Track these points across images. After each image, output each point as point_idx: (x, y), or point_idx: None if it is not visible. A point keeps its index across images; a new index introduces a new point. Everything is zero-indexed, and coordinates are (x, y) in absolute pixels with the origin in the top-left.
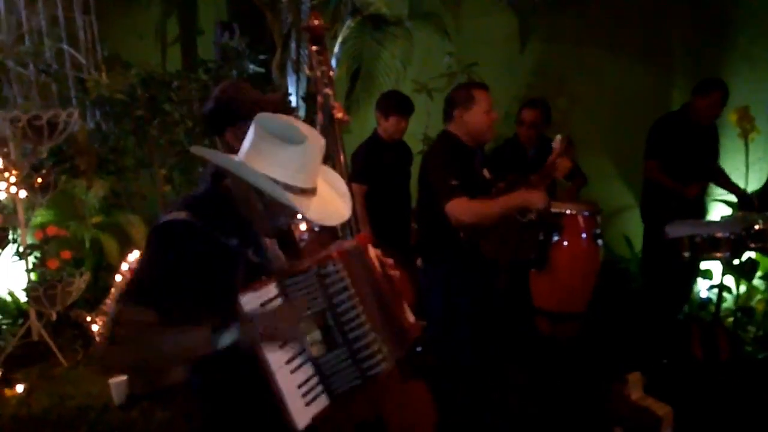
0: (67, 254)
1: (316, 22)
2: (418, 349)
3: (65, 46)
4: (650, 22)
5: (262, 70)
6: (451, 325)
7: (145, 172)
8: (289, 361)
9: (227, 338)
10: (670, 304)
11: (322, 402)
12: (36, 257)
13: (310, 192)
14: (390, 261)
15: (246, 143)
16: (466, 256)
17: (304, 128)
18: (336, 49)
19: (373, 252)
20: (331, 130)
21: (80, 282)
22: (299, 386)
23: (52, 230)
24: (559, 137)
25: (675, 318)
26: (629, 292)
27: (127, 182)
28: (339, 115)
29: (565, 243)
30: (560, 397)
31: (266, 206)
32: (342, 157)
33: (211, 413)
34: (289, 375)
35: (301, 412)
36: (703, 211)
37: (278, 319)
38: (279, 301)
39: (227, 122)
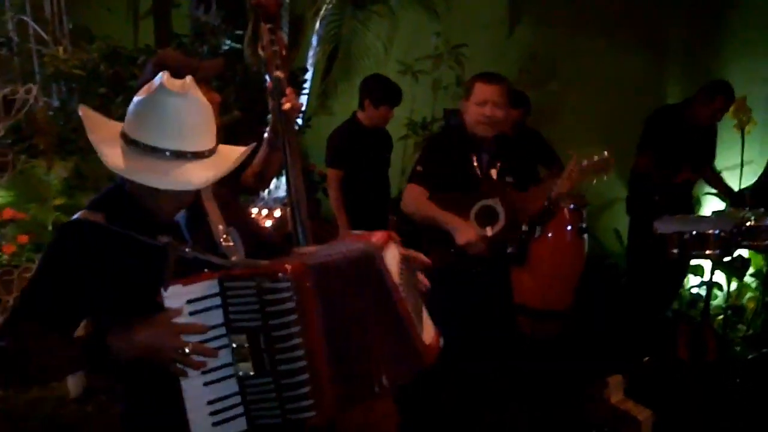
0: (24, 238)
1: None
2: None
3: (27, 18)
4: (645, 8)
5: (239, 45)
6: None
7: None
8: (205, 372)
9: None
10: (657, 302)
11: (238, 425)
12: None
13: (183, 155)
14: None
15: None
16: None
17: (173, 84)
18: (317, 26)
19: (392, 254)
20: (284, 116)
21: None
22: (210, 402)
23: (8, 213)
24: (575, 160)
25: (662, 316)
26: (618, 288)
27: (91, 163)
28: (287, 105)
29: (549, 236)
30: (537, 400)
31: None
32: (296, 146)
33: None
34: (201, 387)
35: (204, 430)
36: (689, 205)
37: (165, 336)
38: (216, 301)
39: None
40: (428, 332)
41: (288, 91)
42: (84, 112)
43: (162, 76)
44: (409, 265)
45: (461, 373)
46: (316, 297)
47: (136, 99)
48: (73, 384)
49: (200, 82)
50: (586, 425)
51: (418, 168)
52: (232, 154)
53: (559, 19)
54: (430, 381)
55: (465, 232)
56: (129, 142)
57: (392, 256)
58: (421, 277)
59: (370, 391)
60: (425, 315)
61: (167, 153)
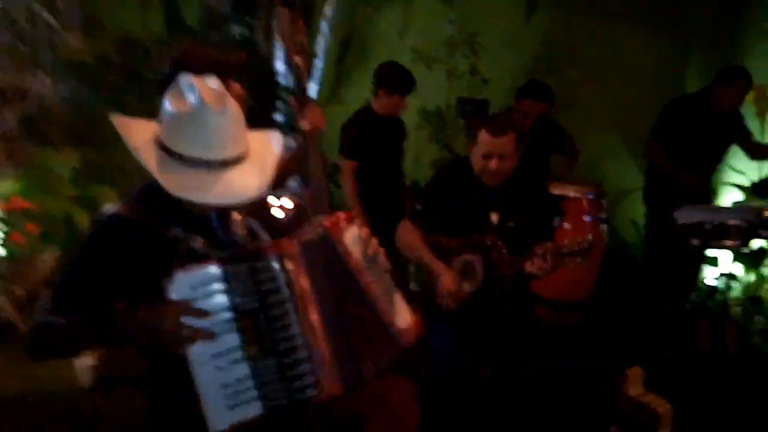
0: (33, 228)
1: None
2: None
3: (39, 7)
4: None
5: (248, 33)
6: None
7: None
8: (216, 356)
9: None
10: (676, 293)
11: (254, 409)
12: (3, 231)
13: (219, 164)
14: (380, 248)
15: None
16: None
17: (206, 93)
18: (328, 13)
19: (352, 236)
20: (303, 101)
21: (50, 259)
22: (224, 386)
23: (17, 202)
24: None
25: (682, 307)
26: (636, 279)
27: (103, 154)
28: (306, 126)
29: (567, 227)
30: (554, 393)
31: None
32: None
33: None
34: (213, 371)
35: (220, 414)
36: (707, 196)
37: (162, 319)
38: (220, 286)
39: None
40: (403, 315)
41: (310, 109)
42: (116, 120)
43: (193, 85)
44: (370, 246)
45: (479, 374)
46: (306, 273)
47: (171, 110)
48: (84, 373)
49: (224, 76)
50: (605, 420)
51: (418, 206)
52: (261, 144)
53: (577, 4)
54: (448, 383)
55: (445, 280)
56: (173, 156)
57: (353, 238)
58: (382, 257)
59: (360, 373)
60: (398, 298)
61: (214, 163)
